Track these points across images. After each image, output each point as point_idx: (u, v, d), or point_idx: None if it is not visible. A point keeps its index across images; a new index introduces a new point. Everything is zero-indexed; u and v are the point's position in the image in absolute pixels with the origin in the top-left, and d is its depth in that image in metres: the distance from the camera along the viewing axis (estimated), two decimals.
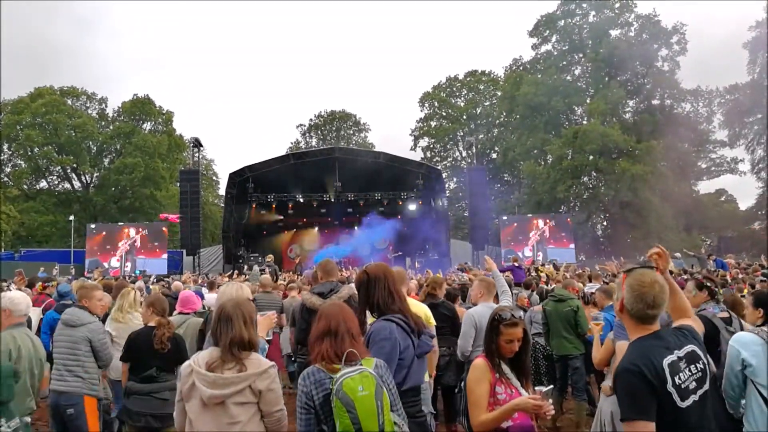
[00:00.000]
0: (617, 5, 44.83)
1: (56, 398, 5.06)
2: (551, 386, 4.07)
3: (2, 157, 46.08)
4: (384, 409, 2.75)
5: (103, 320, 5.87)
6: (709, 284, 5.05)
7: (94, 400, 5.12)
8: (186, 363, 3.04)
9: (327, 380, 2.81)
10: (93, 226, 29.60)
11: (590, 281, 11.63)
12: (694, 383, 2.39)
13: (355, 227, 32.58)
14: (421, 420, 3.54)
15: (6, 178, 44.94)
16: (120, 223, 31.19)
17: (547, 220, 30.25)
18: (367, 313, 3.75)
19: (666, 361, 2.36)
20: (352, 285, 4.86)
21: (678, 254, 21.11)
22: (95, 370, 5.20)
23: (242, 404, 2.92)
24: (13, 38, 71.47)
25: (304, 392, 2.84)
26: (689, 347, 2.47)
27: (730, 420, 3.54)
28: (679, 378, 2.35)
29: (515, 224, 30.22)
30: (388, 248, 30.02)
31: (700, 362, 2.46)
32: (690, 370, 2.40)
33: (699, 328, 2.70)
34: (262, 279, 9.47)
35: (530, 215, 31.38)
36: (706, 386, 2.45)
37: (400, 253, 28.14)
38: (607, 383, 4.81)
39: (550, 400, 3.12)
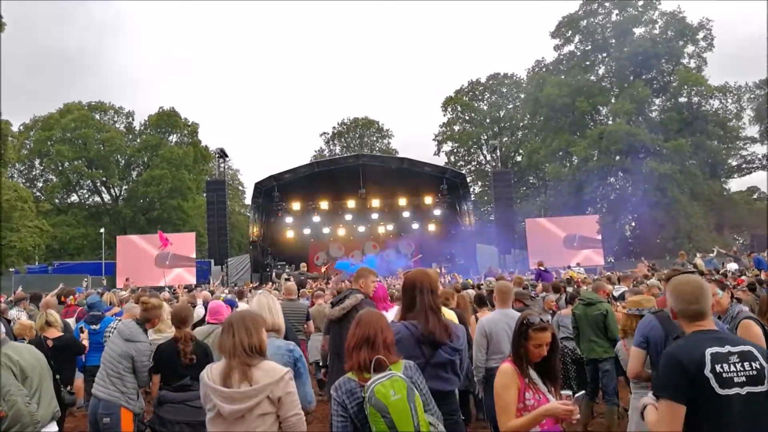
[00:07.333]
0: (641, 3, 44.13)
1: (96, 404, 5.09)
2: (582, 392, 4.02)
3: (34, 173, 47.29)
4: (417, 410, 2.79)
5: None
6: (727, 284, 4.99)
7: (131, 413, 5.12)
8: (203, 374, 3.04)
9: (358, 389, 2.87)
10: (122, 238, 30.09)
11: (618, 283, 11.50)
12: (743, 378, 2.45)
13: (381, 233, 32.64)
14: (452, 421, 3.58)
15: (38, 193, 46.02)
16: (146, 235, 31.63)
17: (575, 222, 29.95)
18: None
19: (710, 350, 2.48)
20: (359, 295, 4.98)
21: (711, 254, 20.58)
22: (133, 386, 5.19)
23: (262, 415, 2.90)
24: (34, 53, 73.35)
25: (338, 402, 2.90)
26: (747, 347, 2.54)
27: None
28: (722, 367, 2.44)
29: (542, 228, 29.98)
30: (413, 254, 29.93)
31: (757, 363, 2.49)
32: (742, 366, 2.47)
33: None
34: (287, 286, 9.36)
35: (557, 217, 31.06)
36: (763, 387, 2.46)
37: (421, 255, 28.03)
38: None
39: (578, 406, 3.09)
